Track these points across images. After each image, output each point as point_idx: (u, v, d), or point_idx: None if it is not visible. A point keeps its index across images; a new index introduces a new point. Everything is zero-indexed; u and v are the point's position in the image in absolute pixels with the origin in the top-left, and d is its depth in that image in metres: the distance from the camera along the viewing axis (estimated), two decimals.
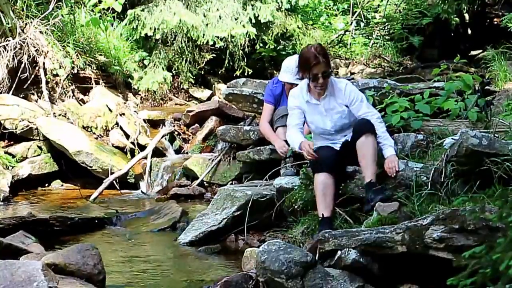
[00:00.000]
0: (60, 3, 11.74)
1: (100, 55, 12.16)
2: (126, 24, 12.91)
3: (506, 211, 3.15)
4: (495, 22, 17.19)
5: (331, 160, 6.11)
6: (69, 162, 9.98)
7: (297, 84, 7.86)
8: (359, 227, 5.59)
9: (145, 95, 12.84)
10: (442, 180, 5.78)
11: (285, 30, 14.29)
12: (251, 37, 13.17)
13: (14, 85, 10.75)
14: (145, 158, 10.08)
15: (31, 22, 11.03)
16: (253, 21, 13.14)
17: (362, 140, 6.04)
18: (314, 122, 6.42)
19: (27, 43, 10.78)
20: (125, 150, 10.40)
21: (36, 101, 10.95)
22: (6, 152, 10.02)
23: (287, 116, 8.01)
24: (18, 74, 10.76)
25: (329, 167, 6.08)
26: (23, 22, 11.04)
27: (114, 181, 9.55)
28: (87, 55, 11.83)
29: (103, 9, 12.41)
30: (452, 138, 6.06)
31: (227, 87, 10.21)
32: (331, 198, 6.08)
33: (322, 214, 6.02)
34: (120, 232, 7.63)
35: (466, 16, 18.63)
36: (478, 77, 8.28)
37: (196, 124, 11.04)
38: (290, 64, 8.03)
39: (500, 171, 5.20)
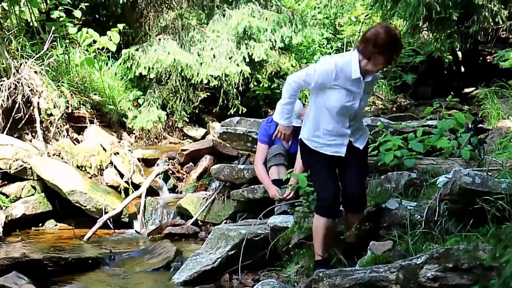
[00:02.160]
0: (54, 43, 11.80)
1: (95, 94, 12.18)
2: (120, 64, 12.97)
3: (499, 251, 3.16)
4: (488, 60, 17.29)
5: (338, 204, 5.95)
6: (63, 202, 9.94)
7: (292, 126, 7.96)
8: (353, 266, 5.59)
9: (139, 134, 12.86)
10: (436, 218, 5.80)
11: (279, 69, 14.34)
12: (245, 76, 13.22)
13: (8, 125, 10.74)
14: (139, 197, 10.04)
15: (26, 62, 11.05)
16: (247, 59, 13.20)
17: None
18: (348, 96, 5.76)
19: (21, 83, 10.79)
20: (119, 189, 10.36)
21: (30, 141, 10.93)
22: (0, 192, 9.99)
23: (280, 155, 8.08)
24: (13, 114, 10.76)
25: (336, 213, 5.97)
26: (17, 62, 11.07)
27: (108, 221, 9.50)
28: (82, 94, 11.85)
29: (98, 48, 12.48)
30: (446, 177, 6.07)
31: (221, 125, 10.23)
32: (331, 240, 6.06)
33: (320, 256, 5.99)
34: (114, 272, 7.60)
35: (459, 54, 18.74)
36: (470, 116, 8.31)
37: (191, 163, 11.02)
38: None
39: (493, 209, 5.21)
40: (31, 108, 10.96)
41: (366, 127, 6.38)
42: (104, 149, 10.98)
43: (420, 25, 13.64)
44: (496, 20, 11.80)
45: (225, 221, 9.15)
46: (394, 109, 16.88)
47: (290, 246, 6.63)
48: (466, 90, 16.14)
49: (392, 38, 5.56)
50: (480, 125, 8.43)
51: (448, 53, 16.64)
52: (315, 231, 6.00)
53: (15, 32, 11.60)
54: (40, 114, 10.94)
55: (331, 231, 5.99)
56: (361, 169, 6.19)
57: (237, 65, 13.03)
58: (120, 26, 12.60)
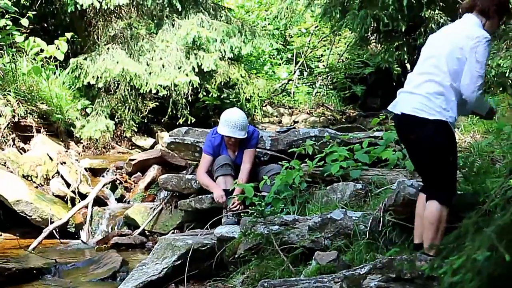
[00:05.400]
0: (1, 51, 11.68)
1: (42, 103, 12.03)
2: (68, 73, 12.88)
3: (438, 262, 3.19)
4: None
5: None
6: (8, 212, 9.80)
7: (234, 137, 8.02)
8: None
9: (87, 144, 12.76)
10: (380, 229, 5.86)
11: (228, 79, 14.39)
12: (194, 86, 13.24)
13: None
14: (86, 207, 9.96)
15: None
16: (196, 70, 13.22)
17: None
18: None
19: None
20: (65, 199, 10.25)
21: None
22: None
23: (227, 165, 8.10)
24: None
25: None
26: None
27: (54, 231, 9.40)
28: (29, 103, 11.70)
29: (45, 57, 12.38)
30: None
31: (169, 135, 10.21)
32: None
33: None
34: (59, 282, 7.50)
35: (408, 66, 18.96)
36: None
37: (139, 173, 10.99)
38: (228, 117, 8.13)
39: None
40: None
41: None
42: (50, 158, 10.86)
43: (369, 36, 13.80)
44: None
45: (172, 231, 9.13)
46: (343, 120, 17.03)
47: (236, 256, 6.63)
48: None
49: None
50: None
51: (396, 65, 16.85)
52: (439, 222, 5.24)
53: None
54: None
55: None
56: None
57: (186, 75, 13.04)
58: (68, 35, 12.55)
